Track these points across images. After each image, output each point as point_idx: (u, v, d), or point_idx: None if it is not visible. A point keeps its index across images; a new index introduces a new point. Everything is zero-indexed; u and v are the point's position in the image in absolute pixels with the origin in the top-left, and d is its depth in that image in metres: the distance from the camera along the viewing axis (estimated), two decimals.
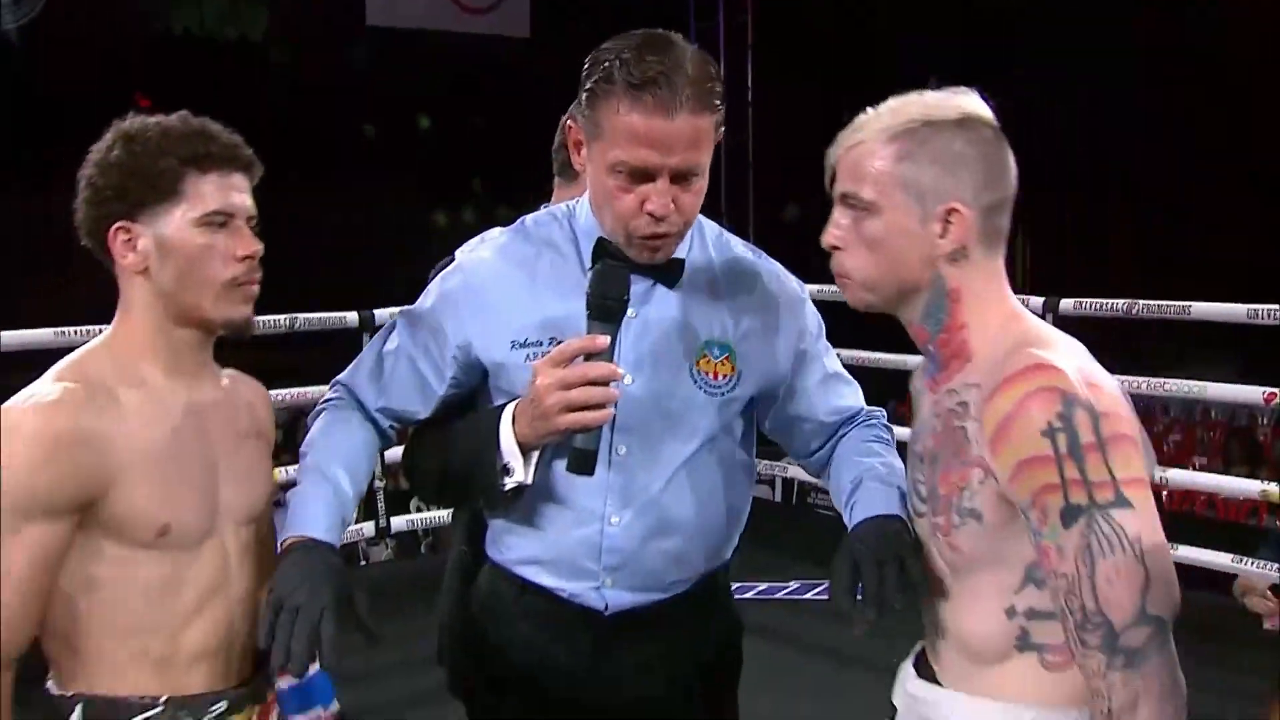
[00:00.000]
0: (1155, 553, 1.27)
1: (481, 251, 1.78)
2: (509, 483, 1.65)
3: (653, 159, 1.58)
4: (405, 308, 1.82)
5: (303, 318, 4.27)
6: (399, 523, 4.68)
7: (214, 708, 1.52)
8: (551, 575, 1.73)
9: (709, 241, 1.77)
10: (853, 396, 1.85)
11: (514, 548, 1.76)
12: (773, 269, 1.80)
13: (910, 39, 9.34)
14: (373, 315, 4.27)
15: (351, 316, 4.27)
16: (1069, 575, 1.27)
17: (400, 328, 1.78)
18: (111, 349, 1.54)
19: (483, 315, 1.72)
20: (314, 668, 1.63)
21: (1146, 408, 9.31)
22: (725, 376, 1.72)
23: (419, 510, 5.08)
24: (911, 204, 1.37)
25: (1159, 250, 9.33)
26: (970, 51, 9.88)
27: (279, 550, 1.55)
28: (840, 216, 1.41)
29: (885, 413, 1.87)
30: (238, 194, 1.54)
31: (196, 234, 1.51)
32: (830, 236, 1.42)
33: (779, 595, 4.51)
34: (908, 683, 1.49)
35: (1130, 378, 4.21)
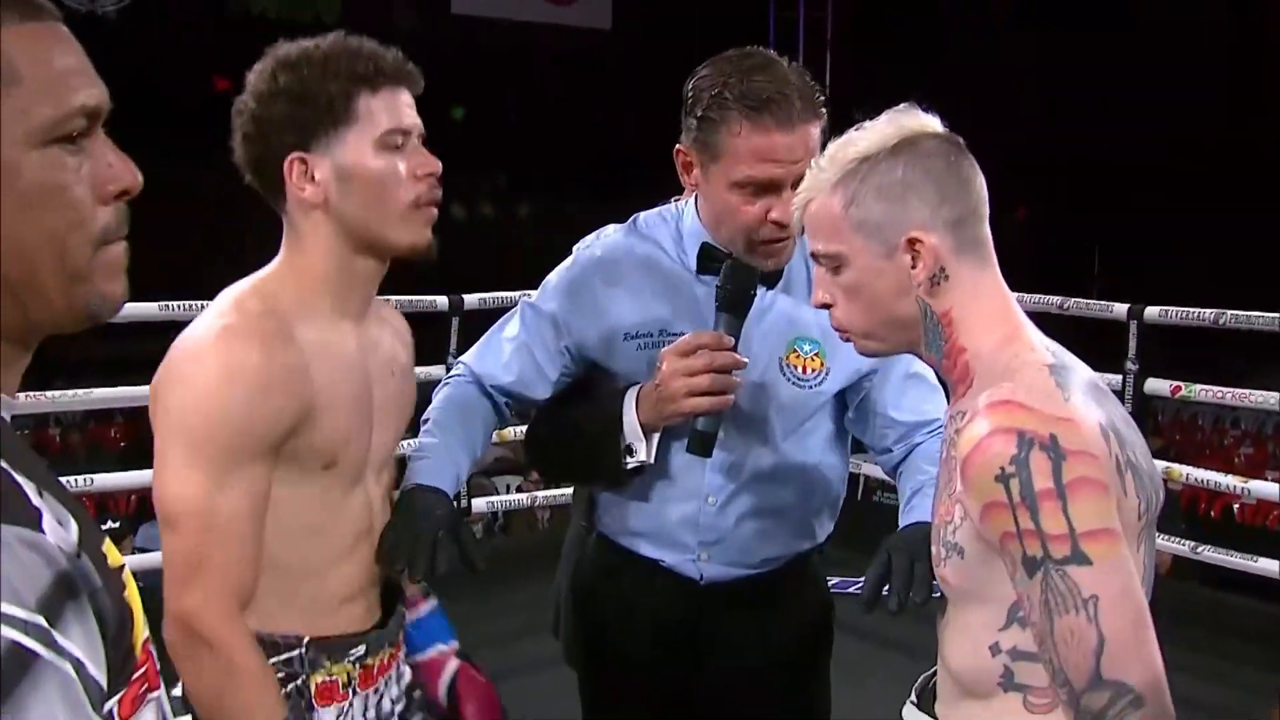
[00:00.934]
0: (1116, 613, 1.18)
1: (594, 250, 1.90)
2: (631, 462, 1.79)
3: (778, 172, 1.68)
4: (527, 298, 1.93)
5: (394, 300, 4.38)
6: (479, 504, 4.77)
7: (353, 651, 1.51)
8: (652, 546, 1.89)
9: (804, 241, 1.82)
10: (934, 402, 1.88)
11: (620, 519, 1.91)
12: None
13: (986, 30, 9.25)
14: (462, 300, 4.31)
15: (441, 300, 4.30)
16: (1038, 626, 1.22)
17: (521, 316, 1.90)
18: (286, 282, 1.47)
19: (595, 309, 1.84)
20: (430, 604, 1.69)
21: (1217, 419, 9.21)
22: (814, 371, 1.83)
23: (492, 494, 5.19)
24: (872, 244, 1.34)
25: (1235, 257, 9.15)
26: (1044, 48, 9.76)
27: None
28: (820, 276, 1.41)
29: None
30: (409, 110, 1.46)
31: (376, 157, 1.43)
32: (817, 298, 1.41)
33: (850, 590, 4.52)
34: (905, 709, 1.49)
35: (1214, 388, 4.21)
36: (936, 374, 1.45)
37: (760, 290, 1.79)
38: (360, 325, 1.53)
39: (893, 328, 1.37)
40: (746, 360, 1.73)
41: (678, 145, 1.78)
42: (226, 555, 1.39)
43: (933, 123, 1.38)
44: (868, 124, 1.38)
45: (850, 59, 8.64)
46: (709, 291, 1.78)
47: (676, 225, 1.87)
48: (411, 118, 1.47)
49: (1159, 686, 1.19)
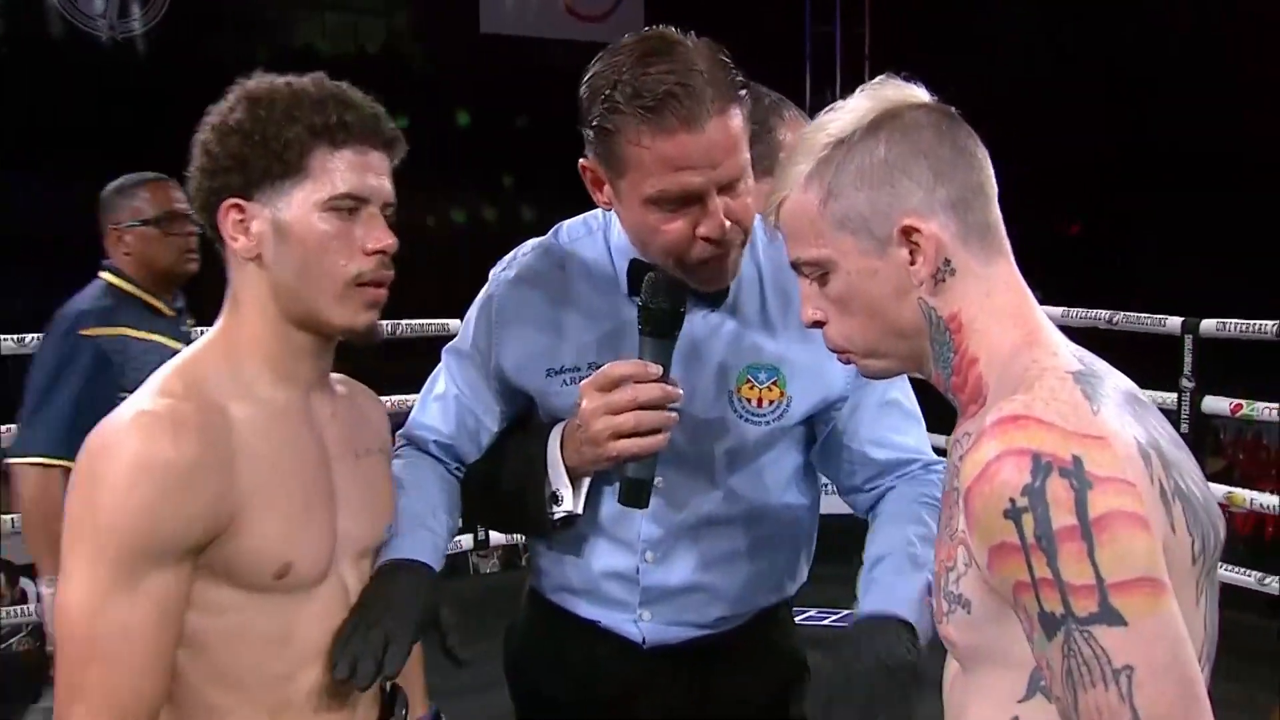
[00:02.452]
0: (1158, 690, 0.93)
1: (509, 273, 1.63)
2: (558, 512, 1.54)
3: (695, 180, 1.40)
4: (449, 344, 1.69)
5: (404, 324, 4.29)
6: (497, 536, 4.64)
7: None
8: (588, 604, 1.63)
9: (758, 245, 1.57)
10: (913, 435, 1.62)
11: (552, 574, 1.66)
12: None
13: (1028, 46, 9.08)
14: None
15: (455, 324, 4.22)
16: (1062, 699, 0.98)
17: (446, 369, 1.67)
18: (220, 352, 1.31)
19: (513, 343, 1.59)
20: (428, 710, 1.54)
21: None
22: (772, 403, 1.55)
23: None
24: (860, 240, 1.12)
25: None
26: (1084, 60, 9.59)
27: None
28: (806, 289, 1.18)
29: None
30: (374, 176, 1.30)
31: (320, 219, 1.27)
32: (805, 314, 1.19)
33: (826, 623, 4.36)
34: None
35: (1278, 405, 3.99)
36: (944, 394, 1.18)
37: (702, 312, 1.54)
38: (312, 397, 1.36)
39: (899, 341, 1.15)
40: (680, 392, 1.47)
41: (581, 160, 1.50)
42: (112, 672, 1.20)
43: (917, 92, 1.16)
44: (840, 102, 1.16)
45: (892, 72, 8.50)
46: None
47: (604, 236, 1.60)
48: (374, 185, 1.30)
49: None
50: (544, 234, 1.68)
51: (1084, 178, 10.02)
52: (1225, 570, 4.07)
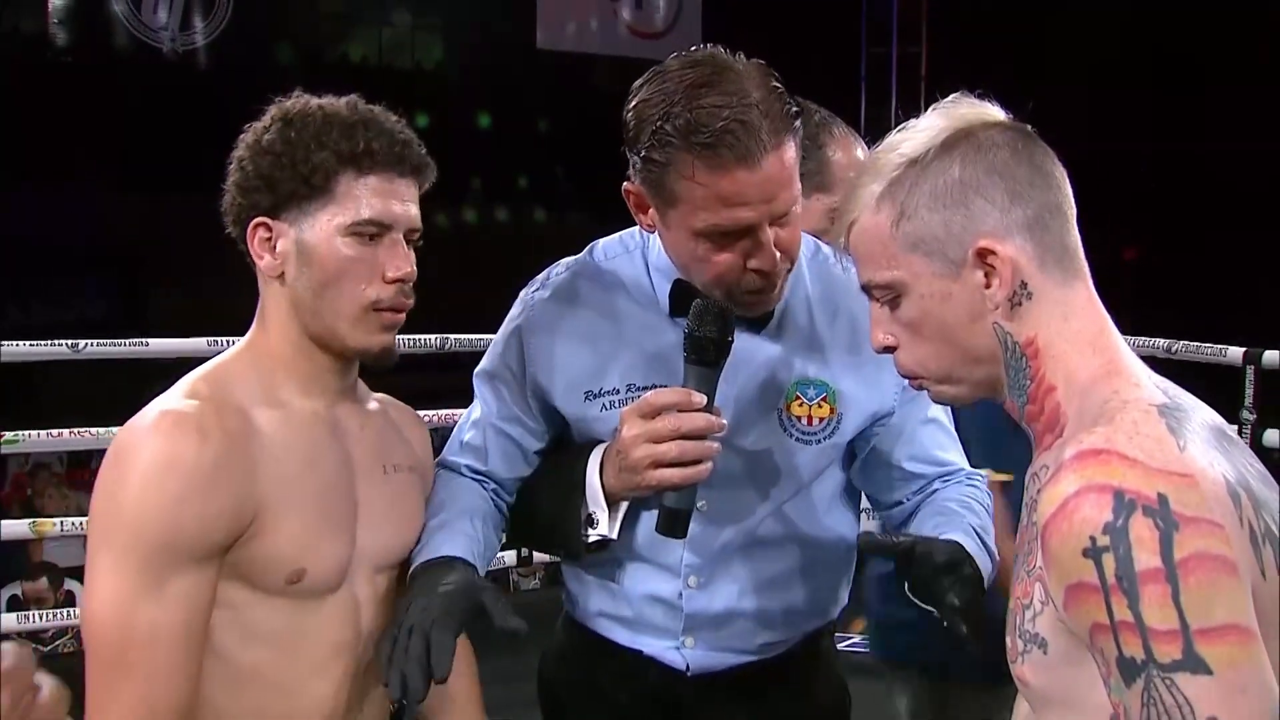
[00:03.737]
0: None
1: (543, 292, 1.59)
2: (593, 535, 1.51)
3: (748, 216, 1.38)
4: (480, 369, 1.65)
5: (454, 338, 4.27)
6: (540, 554, 4.60)
7: None
8: (628, 632, 1.59)
9: (803, 264, 1.54)
10: (953, 452, 1.61)
11: (589, 601, 1.62)
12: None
13: (1088, 65, 8.97)
14: None
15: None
16: None
17: (479, 397, 1.63)
18: (247, 361, 1.35)
19: (549, 365, 1.55)
20: None
21: None
22: (822, 420, 1.53)
23: None
24: (933, 263, 1.09)
25: None
26: (1157, 79, 9.46)
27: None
28: (876, 313, 1.16)
29: (986, 478, 1.63)
30: (399, 203, 1.32)
31: (342, 244, 1.30)
32: (875, 339, 1.17)
33: (858, 650, 4.29)
34: None
35: None
36: (1019, 423, 1.15)
37: (748, 331, 1.51)
38: (337, 410, 1.36)
39: (975, 367, 1.13)
40: (724, 422, 1.44)
41: (625, 184, 1.47)
42: (148, 675, 1.21)
43: (992, 110, 1.13)
44: (911, 122, 1.14)
45: (948, 95, 8.43)
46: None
47: (643, 256, 1.57)
48: (399, 212, 1.32)
49: None
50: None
51: (1144, 199, 9.87)
52: None
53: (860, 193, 1.13)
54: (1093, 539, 0.94)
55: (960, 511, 1.52)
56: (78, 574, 5.21)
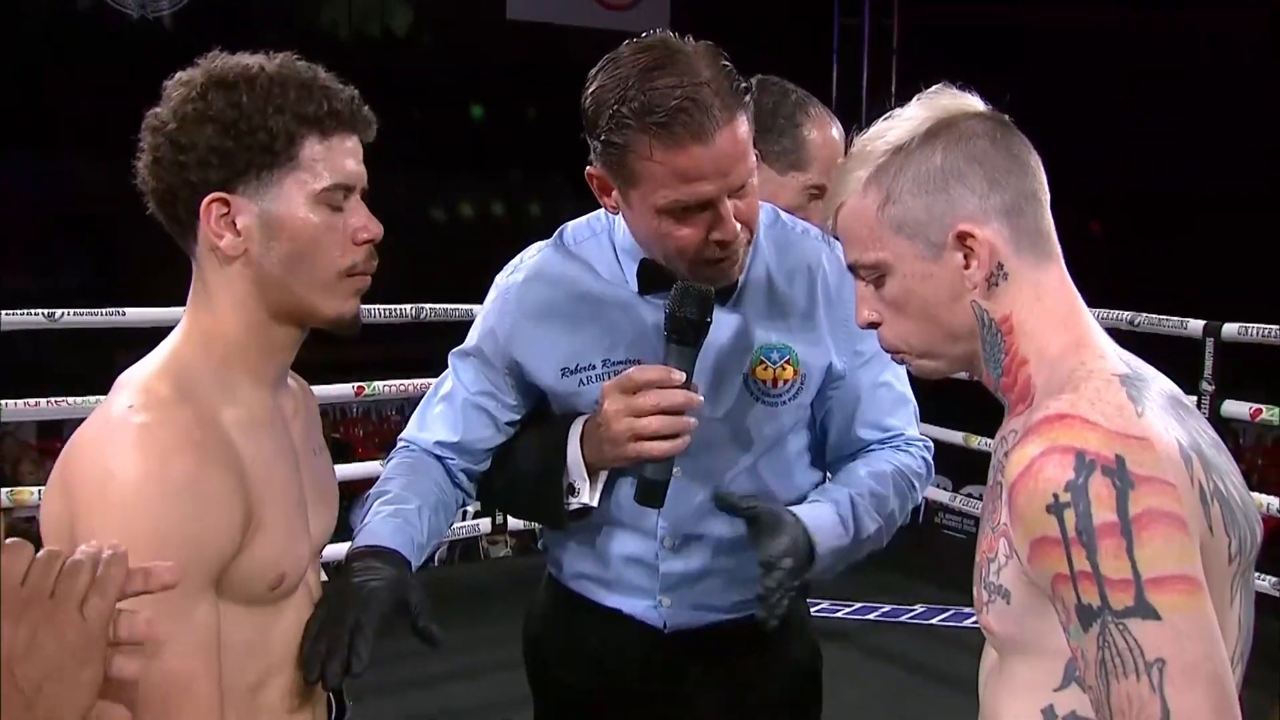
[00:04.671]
0: (1188, 685, 0.96)
1: (517, 276, 1.65)
2: (574, 503, 1.58)
3: (706, 190, 1.44)
4: (457, 348, 1.70)
5: (429, 308, 4.32)
6: (515, 522, 4.64)
7: None
8: (608, 592, 1.68)
9: (761, 233, 1.61)
10: (900, 417, 1.69)
11: (571, 563, 1.70)
12: (838, 252, 1.62)
13: (1058, 37, 9.02)
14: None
15: (478, 309, 4.21)
16: (1094, 690, 1.02)
17: (453, 371, 1.69)
18: (198, 352, 1.24)
19: (526, 344, 1.61)
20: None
21: None
22: (786, 382, 1.60)
23: None
24: (916, 244, 1.16)
25: None
26: (1129, 53, 9.53)
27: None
28: (862, 291, 1.23)
29: (930, 444, 1.72)
30: (355, 161, 1.26)
31: (313, 212, 1.22)
32: (861, 316, 1.24)
33: (903, 618, 4.38)
34: None
35: None
36: (994, 393, 1.22)
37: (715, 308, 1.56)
38: (280, 395, 1.32)
39: (953, 342, 1.20)
40: (701, 399, 1.51)
41: (588, 168, 1.52)
42: (193, 714, 1.13)
43: (972, 101, 1.20)
44: (896, 111, 1.20)
45: (919, 68, 8.47)
46: (656, 312, 1.56)
47: (610, 238, 1.63)
48: (357, 170, 1.26)
49: None
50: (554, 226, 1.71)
51: (1112, 175, 9.96)
52: None
53: (848, 177, 1.20)
54: (1055, 496, 1.01)
55: (863, 479, 1.62)
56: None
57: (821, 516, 1.56)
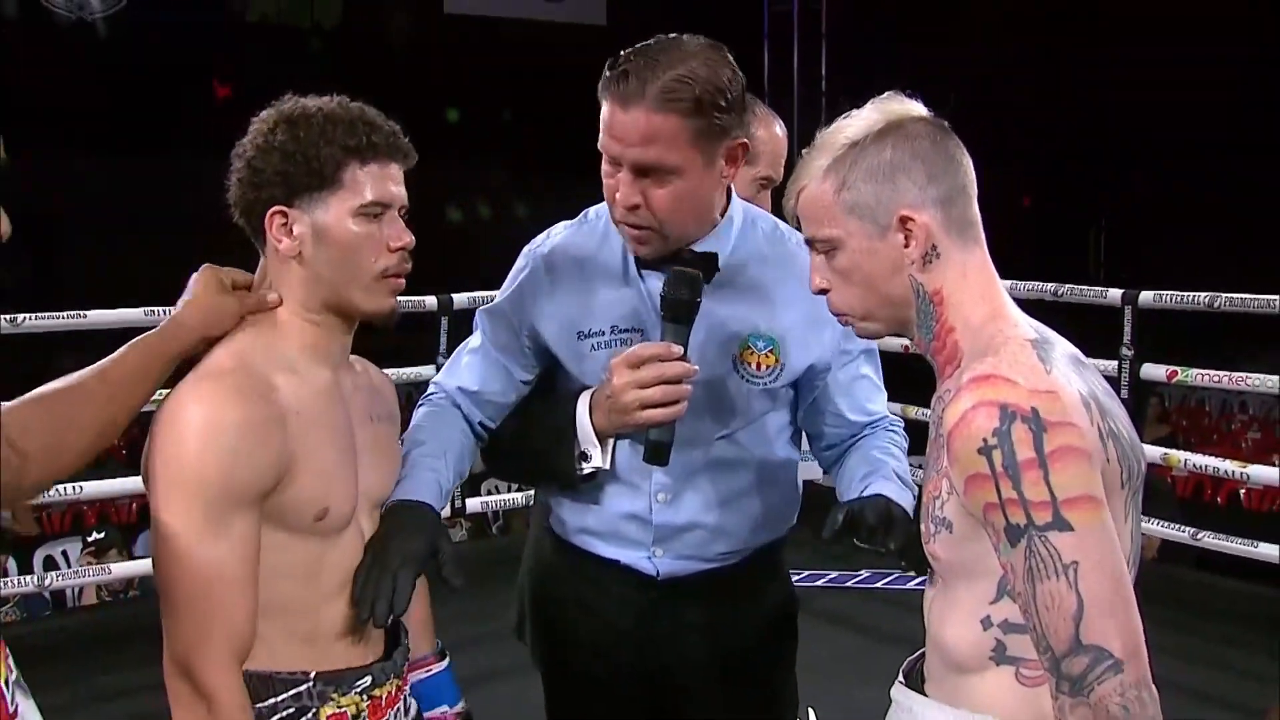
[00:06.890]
0: (1095, 579, 1.21)
1: (543, 248, 1.89)
2: (587, 468, 1.80)
3: (612, 147, 1.68)
4: (485, 306, 1.94)
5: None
6: (474, 504, 4.76)
7: (359, 682, 1.55)
8: (606, 544, 1.89)
9: (761, 236, 1.86)
10: (878, 402, 1.94)
11: (572, 519, 1.91)
12: None
13: (979, 20, 9.20)
14: (451, 299, 4.29)
15: (430, 300, 4.26)
16: (1022, 594, 1.25)
17: (481, 326, 1.92)
18: (261, 336, 1.53)
19: (548, 308, 1.84)
20: (443, 664, 1.76)
21: (1224, 404, 9.17)
22: (769, 368, 1.83)
23: (489, 494, 5.25)
24: (865, 225, 1.37)
25: (1247, 240, 9.08)
26: (1054, 40, 9.74)
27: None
28: (816, 262, 1.43)
29: (901, 421, 1.98)
30: (394, 185, 1.54)
31: (353, 223, 1.51)
32: (814, 283, 1.44)
33: (849, 584, 4.53)
34: (893, 688, 1.49)
35: (1210, 371, 4.16)
36: (925, 356, 1.44)
37: (709, 295, 1.77)
38: (337, 373, 1.59)
39: (890, 309, 1.40)
40: (696, 369, 1.72)
41: None
42: (224, 606, 1.44)
43: (917, 107, 1.42)
44: (854, 112, 1.42)
45: (848, 51, 8.62)
46: (651, 286, 1.77)
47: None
48: (395, 192, 1.54)
49: (1138, 652, 1.21)
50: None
51: (1036, 150, 10.19)
52: (1160, 526, 4.29)
53: (810, 165, 1.41)
54: (985, 440, 1.24)
55: (884, 459, 1.85)
56: None
57: (891, 491, 1.75)
